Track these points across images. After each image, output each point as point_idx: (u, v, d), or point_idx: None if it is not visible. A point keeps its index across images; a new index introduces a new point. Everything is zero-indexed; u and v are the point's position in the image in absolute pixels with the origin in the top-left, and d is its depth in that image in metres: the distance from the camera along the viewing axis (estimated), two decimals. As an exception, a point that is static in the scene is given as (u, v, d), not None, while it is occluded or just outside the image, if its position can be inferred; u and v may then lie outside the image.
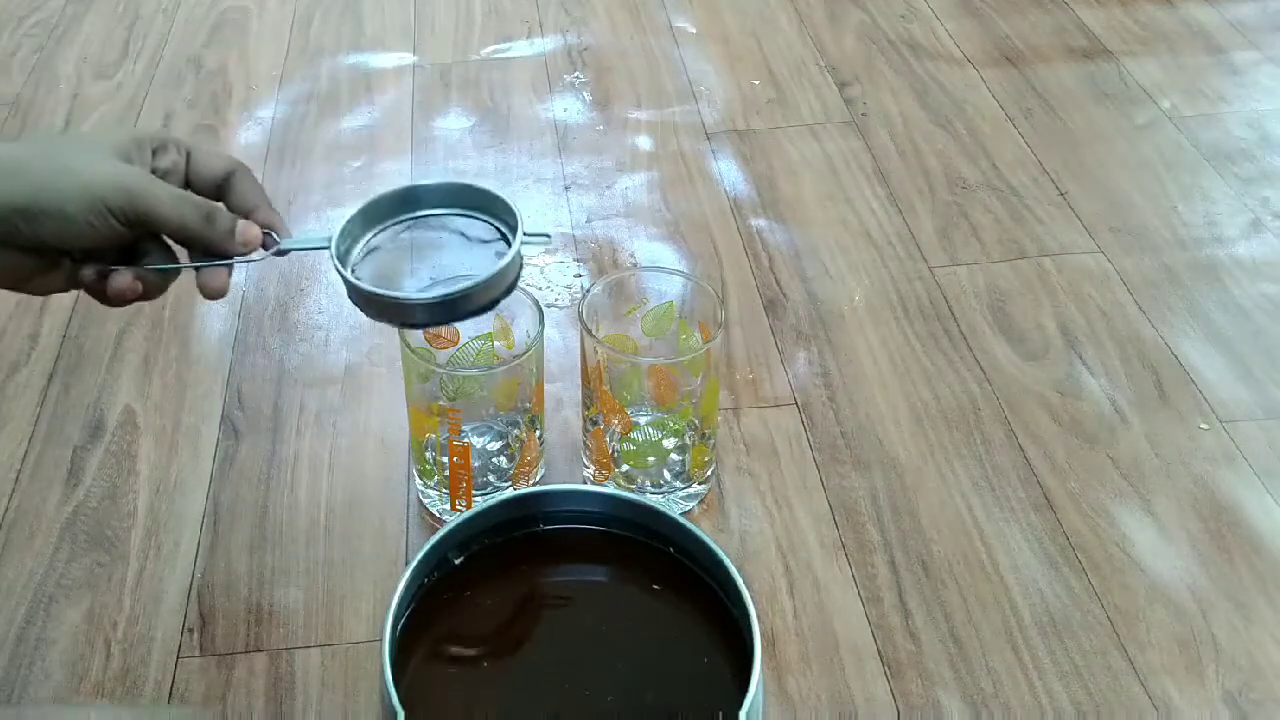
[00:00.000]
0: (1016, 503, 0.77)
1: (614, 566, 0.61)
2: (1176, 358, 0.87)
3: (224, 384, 0.86)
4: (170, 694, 0.67)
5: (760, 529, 0.75)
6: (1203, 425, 0.82)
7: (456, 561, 0.59)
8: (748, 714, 0.49)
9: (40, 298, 0.93)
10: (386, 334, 0.90)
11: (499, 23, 1.31)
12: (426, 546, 0.57)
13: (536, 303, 0.72)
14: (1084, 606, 0.71)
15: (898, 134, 1.12)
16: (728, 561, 0.56)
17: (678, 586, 0.59)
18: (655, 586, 0.59)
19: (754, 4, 1.33)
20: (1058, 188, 1.05)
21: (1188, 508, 0.77)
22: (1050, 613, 0.70)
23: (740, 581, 0.55)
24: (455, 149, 1.12)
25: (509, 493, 0.62)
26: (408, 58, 1.25)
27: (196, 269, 0.60)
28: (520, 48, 1.27)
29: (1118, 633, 0.69)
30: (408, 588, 0.56)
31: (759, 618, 0.70)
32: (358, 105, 1.18)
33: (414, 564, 0.56)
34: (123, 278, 0.58)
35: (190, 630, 0.70)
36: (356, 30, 1.30)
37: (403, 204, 0.64)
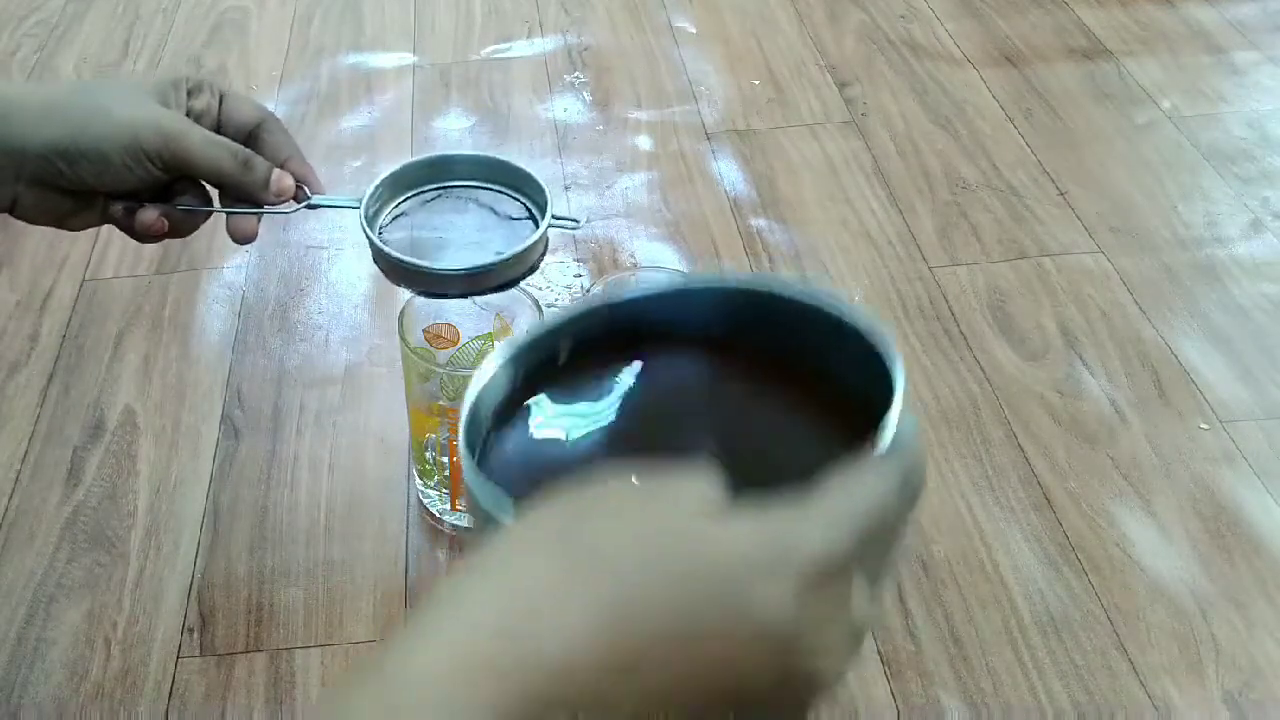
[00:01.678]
0: (1016, 503, 0.77)
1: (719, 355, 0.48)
2: (1176, 358, 0.87)
3: (224, 384, 0.86)
4: (170, 694, 0.67)
5: (760, 529, 0.75)
6: (1203, 425, 0.82)
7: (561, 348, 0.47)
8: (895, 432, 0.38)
9: (41, 297, 0.93)
10: (386, 334, 0.90)
11: (499, 22, 1.31)
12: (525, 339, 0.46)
13: (536, 302, 0.72)
14: (1084, 606, 0.71)
15: (898, 134, 1.12)
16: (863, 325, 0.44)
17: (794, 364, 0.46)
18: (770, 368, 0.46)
19: (754, 4, 1.33)
20: (1058, 188, 1.05)
21: (1188, 508, 0.77)
22: (1050, 613, 0.70)
23: (881, 337, 0.43)
24: (455, 149, 1.12)
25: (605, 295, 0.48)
26: (408, 57, 1.25)
27: (226, 214, 0.61)
28: (520, 47, 1.27)
29: (1118, 633, 0.69)
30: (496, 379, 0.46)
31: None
32: (357, 105, 1.18)
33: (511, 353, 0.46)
34: (149, 214, 0.59)
35: (190, 630, 0.70)
36: (356, 30, 1.30)
37: (433, 172, 0.65)
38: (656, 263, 0.96)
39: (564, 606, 0.28)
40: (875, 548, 0.31)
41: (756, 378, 0.47)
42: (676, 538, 0.29)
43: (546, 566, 0.29)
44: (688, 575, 0.28)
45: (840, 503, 0.31)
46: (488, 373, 0.44)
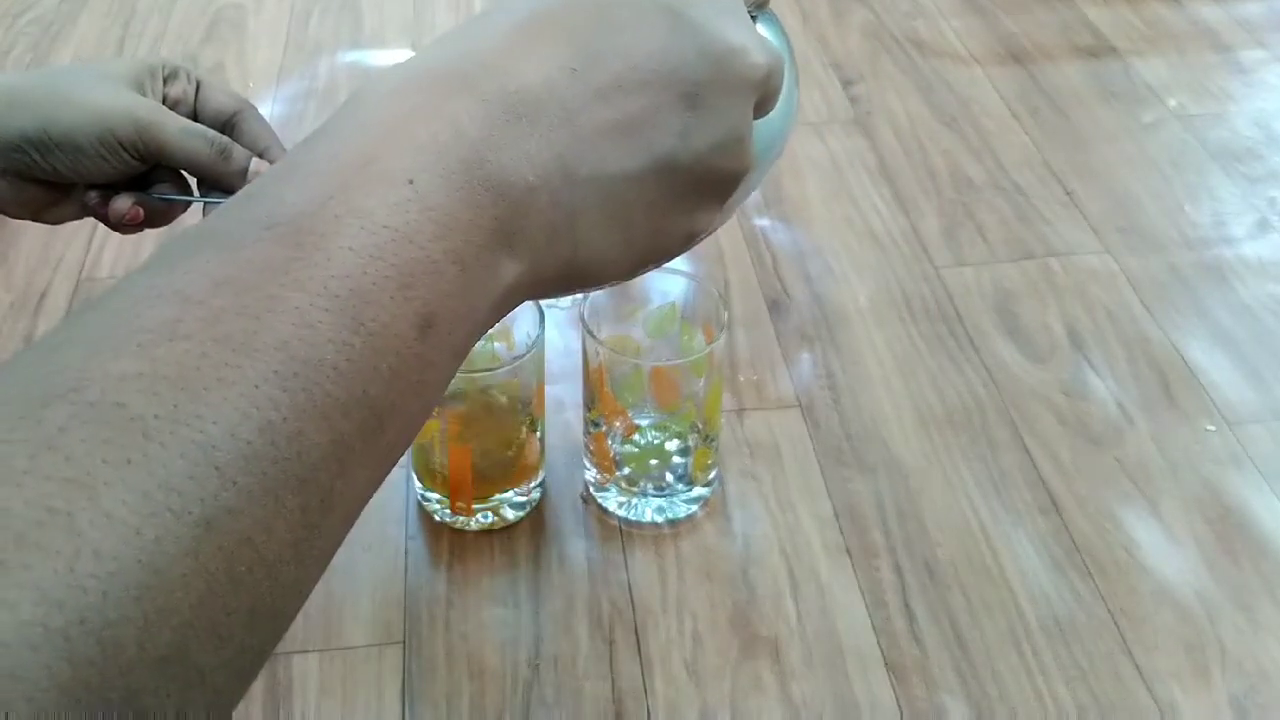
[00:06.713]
0: (1022, 505, 0.76)
1: None
2: (1183, 359, 0.87)
3: (222, 384, 0.86)
4: (167, 698, 0.66)
5: (764, 532, 0.75)
6: (1209, 427, 0.81)
7: None
8: None
9: (36, 297, 0.92)
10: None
11: (500, 20, 1.31)
12: None
13: (537, 304, 0.71)
14: (1089, 610, 0.70)
15: (903, 133, 1.11)
16: None
17: None
18: None
19: (757, 1, 1.33)
20: (1064, 187, 1.04)
21: (1194, 510, 0.76)
22: (1056, 616, 0.70)
23: None
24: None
25: None
26: (407, 54, 1.24)
27: (204, 203, 0.60)
28: (522, 45, 1.26)
29: (1123, 636, 0.69)
30: None
31: (762, 621, 0.70)
32: (358, 103, 1.17)
33: None
34: (122, 203, 0.58)
35: (187, 633, 0.69)
36: (355, 27, 1.29)
37: None
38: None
39: (525, 45, 0.33)
40: None
41: None
42: None
43: (506, 23, 0.34)
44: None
45: None
46: None
